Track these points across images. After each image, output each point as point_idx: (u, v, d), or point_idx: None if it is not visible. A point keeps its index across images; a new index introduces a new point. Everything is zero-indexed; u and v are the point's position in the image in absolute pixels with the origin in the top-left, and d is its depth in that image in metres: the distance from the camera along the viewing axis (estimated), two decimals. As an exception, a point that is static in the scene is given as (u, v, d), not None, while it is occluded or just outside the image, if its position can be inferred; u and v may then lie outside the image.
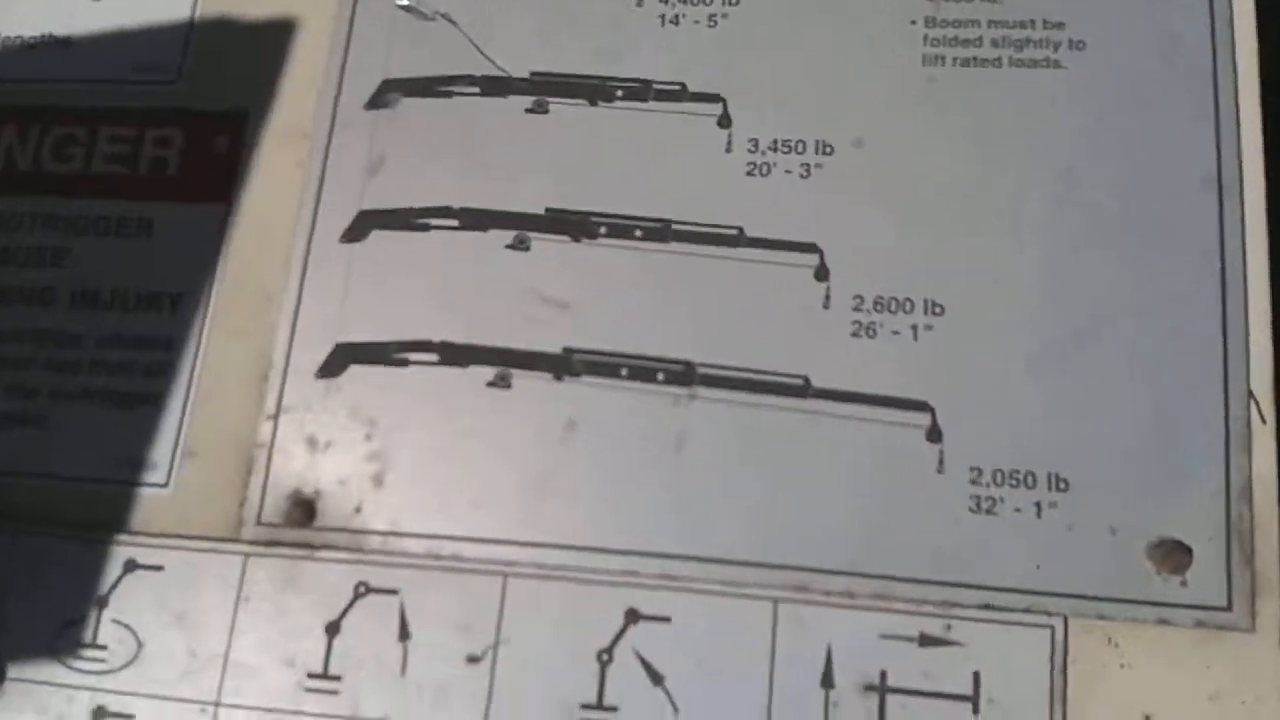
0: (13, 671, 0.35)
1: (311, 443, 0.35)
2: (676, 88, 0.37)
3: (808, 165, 0.36)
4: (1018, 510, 0.32)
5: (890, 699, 0.31)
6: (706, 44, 0.37)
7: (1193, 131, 0.34)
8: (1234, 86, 0.34)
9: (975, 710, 0.31)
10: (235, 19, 0.40)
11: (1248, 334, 0.32)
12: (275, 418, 0.36)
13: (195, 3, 0.41)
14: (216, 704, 0.33)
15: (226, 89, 0.40)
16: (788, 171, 0.36)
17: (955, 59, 0.36)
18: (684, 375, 0.34)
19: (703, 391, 0.34)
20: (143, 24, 0.41)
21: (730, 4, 0.38)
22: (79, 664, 0.34)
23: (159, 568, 0.35)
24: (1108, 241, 0.34)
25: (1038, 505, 0.32)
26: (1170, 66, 0.35)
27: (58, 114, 0.40)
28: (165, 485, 0.36)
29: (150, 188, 0.39)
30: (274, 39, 0.40)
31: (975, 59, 0.36)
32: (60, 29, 0.41)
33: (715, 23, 0.38)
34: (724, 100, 0.37)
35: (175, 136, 0.39)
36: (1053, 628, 0.31)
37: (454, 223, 0.37)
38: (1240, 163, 0.34)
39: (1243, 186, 0.34)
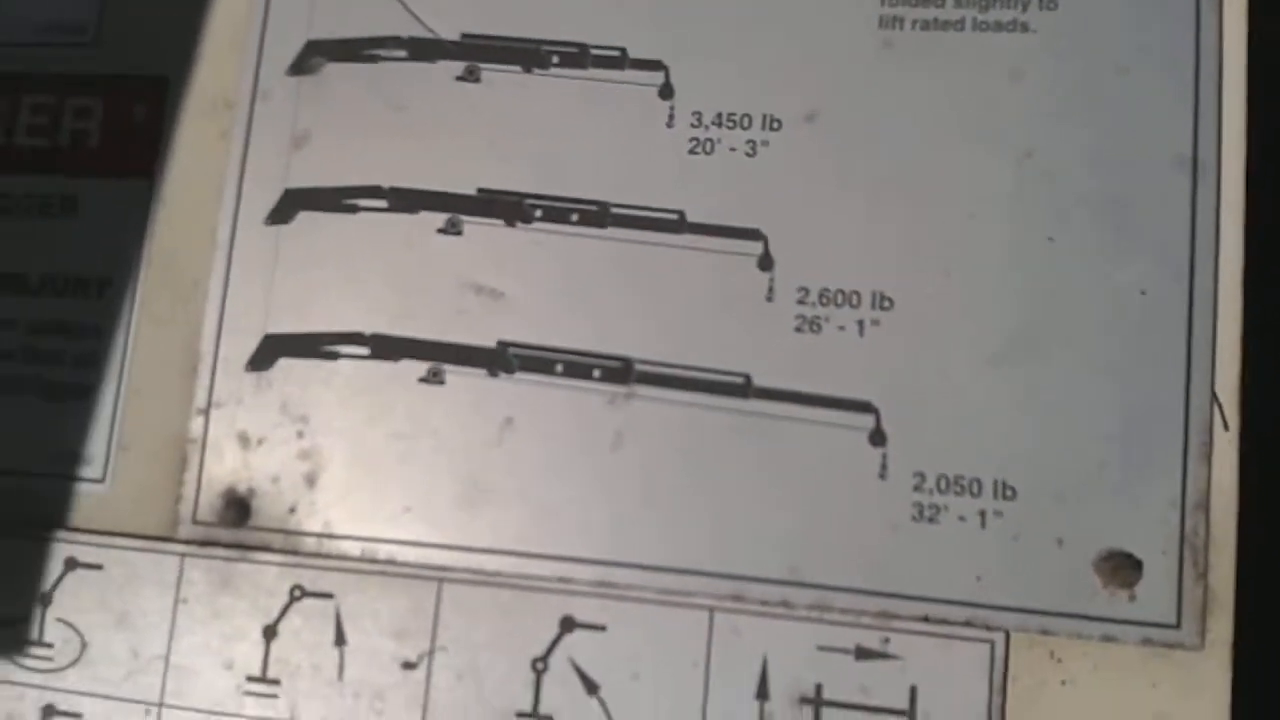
0: (-38, 668, 0.35)
1: (244, 439, 0.34)
2: (616, 54, 0.34)
3: (753, 142, 0.33)
4: (961, 519, 0.31)
5: (826, 712, 0.31)
6: (647, 3, 0.35)
7: (1169, 106, 0.31)
8: (1217, 59, 0.31)
9: (911, 724, 0.30)
10: (151, -28, 0.38)
11: (1215, 333, 0.30)
12: (206, 412, 0.35)
13: (108, -47, 0.38)
14: (160, 705, 0.34)
15: (145, 52, 0.37)
16: (732, 149, 0.33)
17: (915, 21, 0.33)
18: (621, 372, 0.33)
19: (640, 390, 0.33)
20: (55, -22, 0.38)
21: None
22: (27, 662, 0.35)
23: (99, 566, 0.35)
24: (1070, 230, 0.31)
25: (982, 514, 0.31)
26: (1148, 32, 0.32)
27: (-27, 81, 0.38)
28: (102, 481, 0.35)
29: (73, 161, 0.37)
30: (192, -5, 0.37)
31: (936, 20, 0.33)
32: (-31, -14, 0.39)
33: (659, -18, 0.35)
34: (666, 68, 0.34)
35: (95, 106, 0.37)
36: (993, 642, 0.30)
37: (383, 204, 0.35)
38: (1219, 142, 0.31)
39: (1220, 169, 0.31)
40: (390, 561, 0.33)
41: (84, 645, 0.34)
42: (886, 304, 0.32)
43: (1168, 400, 0.30)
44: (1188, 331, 0.31)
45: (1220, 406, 0.30)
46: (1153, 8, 0.32)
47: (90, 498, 0.35)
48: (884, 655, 0.31)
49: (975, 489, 0.31)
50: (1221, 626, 0.30)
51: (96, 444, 0.35)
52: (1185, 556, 0.30)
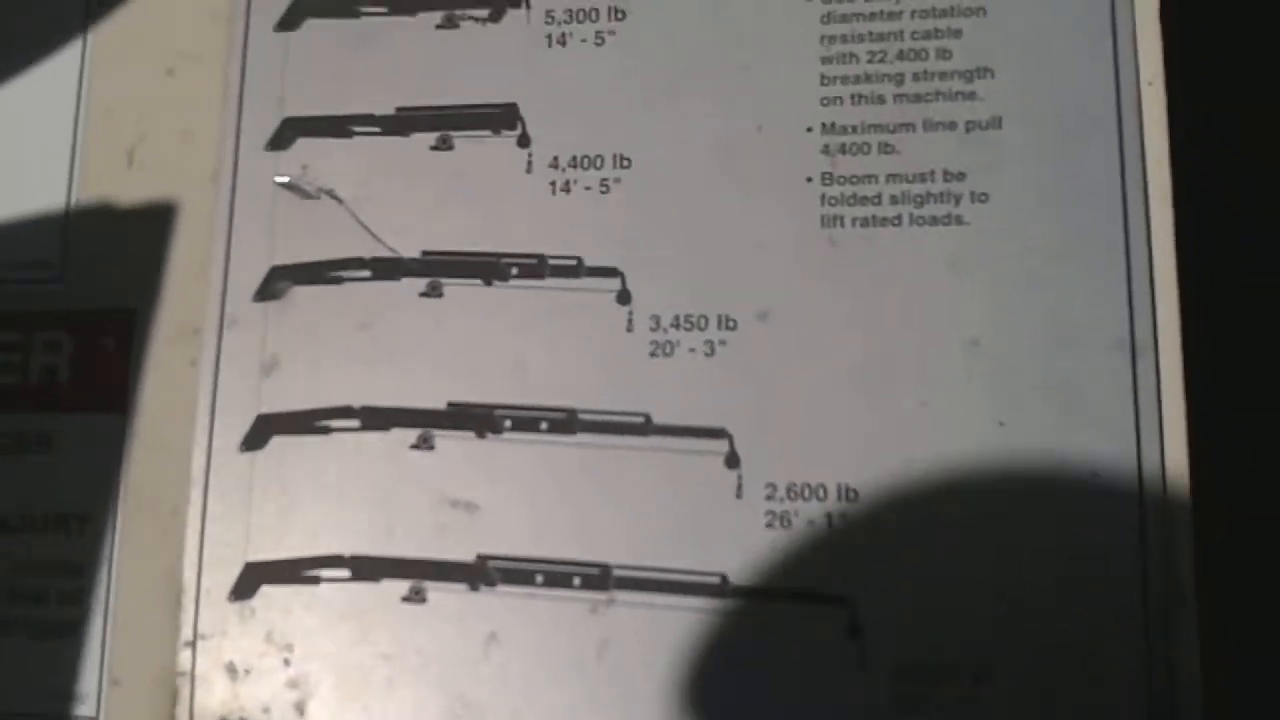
0: None
1: (231, 670, 0.35)
2: (573, 263, 0.36)
3: (711, 343, 0.35)
4: None
5: None
6: (600, 212, 0.36)
7: (1105, 290, 0.33)
8: (1147, 240, 0.33)
9: None
10: (113, 205, 0.39)
11: (1168, 511, 0.32)
12: (193, 644, 0.35)
13: (70, 190, 0.39)
14: None
15: (110, 285, 0.38)
16: (691, 350, 0.35)
17: (854, 219, 0.34)
18: (600, 579, 0.34)
19: (620, 595, 0.34)
20: (16, 216, 0.39)
21: (623, 167, 0.36)
22: None
23: (94, 808, 0.35)
24: (1020, 414, 0.33)
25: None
26: (1078, 219, 0.33)
27: (-58, 322, 0.39)
28: (96, 718, 0.36)
29: (44, 398, 0.38)
30: (155, 226, 0.38)
31: (874, 217, 0.34)
32: (-67, 229, 0.40)
33: (608, 188, 0.36)
34: (622, 275, 0.35)
35: (63, 340, 0.38)
36: None
37: (355, 423, 0.36)
38: (1154, 323, 0.32)
39: (1158, 347, 0.32)
40: (386, 784, 0.33)
41: None
42: (852, 495, 0.33)
43: (1125, 576, 0.32)
44: (1140, 511, 0.32)
45: (1178, 581, 0.31)
46: (1080, 195, 0.33)
47: (82, 735, 0.35)
48: (878, 847, 0.31)
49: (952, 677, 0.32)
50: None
51: (88, 681, 0.36)
52: (1160, 729, 0.31)
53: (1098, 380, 0.32)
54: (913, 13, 0.35)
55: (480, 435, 0.35)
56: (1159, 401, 0.32)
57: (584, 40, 0.37)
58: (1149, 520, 0.32)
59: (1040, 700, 0.31)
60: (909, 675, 0.32)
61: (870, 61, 0.35)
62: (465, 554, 0.34)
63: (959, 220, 0.34)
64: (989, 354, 0.33)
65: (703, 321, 0.35)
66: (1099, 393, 0.32)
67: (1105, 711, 0.31)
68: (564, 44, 0.37)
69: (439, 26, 0.38)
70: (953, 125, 0.34)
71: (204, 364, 0.37)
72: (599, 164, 0.36)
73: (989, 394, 0.33)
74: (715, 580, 0.33)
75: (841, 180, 0.35)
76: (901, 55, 0.35)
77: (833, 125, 0.35)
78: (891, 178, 0.34)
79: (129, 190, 0.39)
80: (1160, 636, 0.31)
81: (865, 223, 0.34)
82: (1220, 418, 0.34)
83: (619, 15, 0.37)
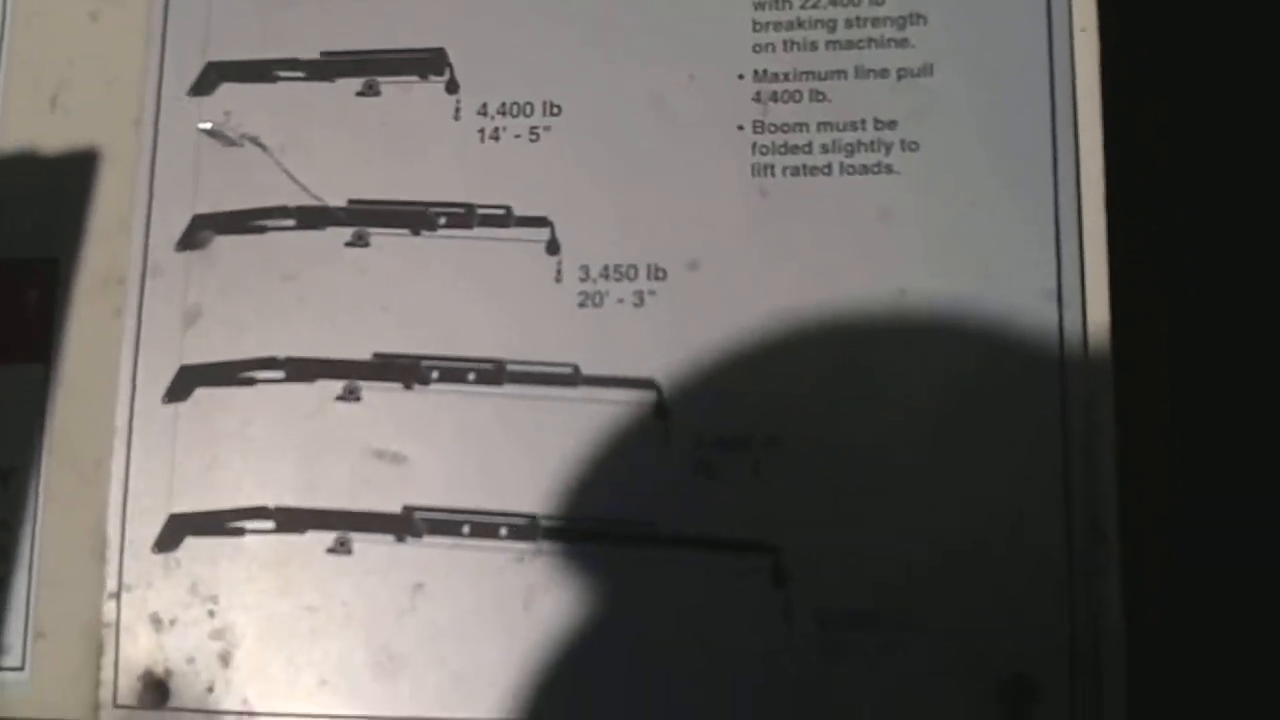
0: None
1: (156, 621, 0.34)
2: (501, 212, 0.35)
3: (641, 293, 0.34)
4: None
5: None
6: (530, 160, 0.35)
7: (1033, 243, 0.33)
8: (1076, 189, 0.33)
9: None
10: (35, 152, 0.38)
11: (1093, 461, 0.32)
12: (118, 596, 0.35)
13: (-11, 134, 0.38)
14: None
15: (32, 234, 0.37)
16: (620, 300, 0.34)
17: (785, 168, 0.34)
18: (528, 529, 0.33)
19: (547, 545, 0.33)
20: (-63, 163, 0.38)
21: (553, 114, 0.35)
22: None
23: (19, 760, 0.35)
24: (948, 362, 0.33)
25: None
26: (1008, 170, 0.33)
27: None
28: (21, 669, 0.35)
29: (-35, 348, 0.37)
30: (78, 173, 0.37)
31: (805, 166, 0.34)
32: None
33: (538, 136, 0.35)
34: (551, 224, 0.35)
35: (-16, 290, 0.37)
36: None
37: (280, 374, 0.35)
38: (1083, 274, 0.32)
39: (1085, 300, 0.32)
40: (311, 736, 0.33)
41: (9, 842, 0.34)
42: (778, 444, 0.33)
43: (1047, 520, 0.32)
44: (1064, 456, 0.32)
45: (1099, 526, 0.31)
46: (1011, 144, 0.33)
47: (11, 686, 0.35)
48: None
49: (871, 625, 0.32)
50: None
51: (13, 633, 0.35)
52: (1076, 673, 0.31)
53: (1025, 329, 0.32)
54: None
55: (407, 386, 0.35)
56: (1085, 350, 0.32)
57: (514, -16, 0.36)
58: (1073, 465, 0.32)
59: (962, 644, 0.31)
60: (834, 622, 0.32)
61: (803, 7, 0.35)
62: (392, 505, 0.34)
63: (889, 169, 0.34)
64: (917, 302, 0.33)
65: (632, 272, 0.34)
66: (1026, 342, 0.32)
67: (1027, 654, 0.31)
68: (493, -12, 0.36)
69: (366, -31, 0.37)
70: (885, 73, 0.34)
71: (127, 314, 0.36)
72: (528, 111, 0.35)
73: (916, 343, 0.33)
74: (643, 529, 0.33)
75: (772, 129, 0.34)
76: (834, 1, 0.35)
77: (764, 73, 0.35)
78: (823, 126, 0.34)
79: (51, 137, 0.38)
80: (1082, 579, 0.31)
81: (796, 172, 0.34)
82: (1147, 368, 0.34)
83: (549, -41, 0.36)
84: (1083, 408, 0.32)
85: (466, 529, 0.34)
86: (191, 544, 0.35)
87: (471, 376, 0.34)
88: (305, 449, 0.35)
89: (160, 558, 0.35)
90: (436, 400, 0.34)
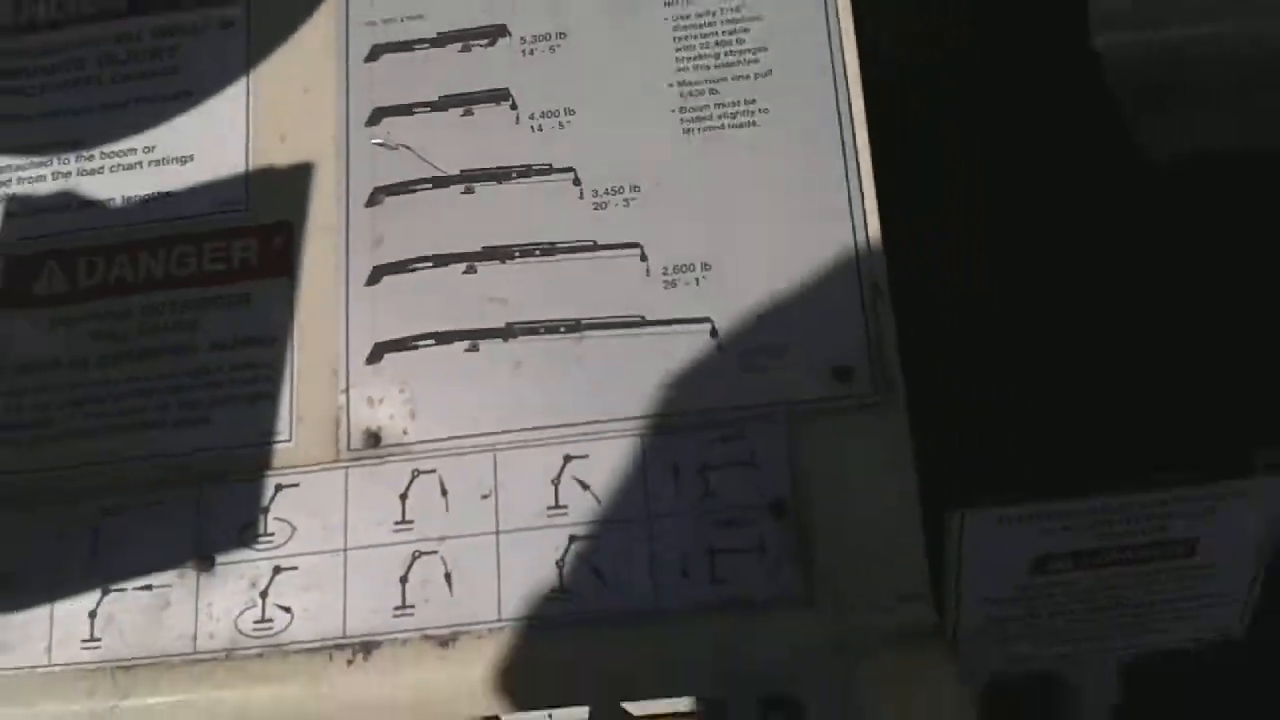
0: (219, 556, 0.60)
1: (370, 401, 0.61)
2: (546, 166, 0.64)
3: (628, 200, 0.63)
4: (764, 366, 0.59)
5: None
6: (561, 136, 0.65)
7: (828, 163, 0.62)
8: (853, 140, 0.62)
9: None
10: (275, 164, 0.67)
11: (866, 230, 0.60)
12: (346, 391, 0.62)
13: (247, 156, 0.67)
14: (344, 550, 0.59)
15: (277, 208, 0.66)
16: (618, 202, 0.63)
17: (699, 128, 0.64)
18: (574, 327, 0.61)
19: (589, 333, 0.61)
20: (217, 176, 0.67)
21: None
22: (258, 545, 0.60)
23: (296, 485, 0.61)
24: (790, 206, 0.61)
25: (774, 362, 0.59)
26: (812, 126, 0.63)
27: (176, 239, 0.66)
28: (289, 440, 0.62)
29: (242, 274, 0.65)
30: (302, 169, 0.66)
31: (709, 126, 0.64)
32: (167, 187, 0.67)
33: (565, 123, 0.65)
34: (574, 170, 0.64)
35: (251, 243, 0.65)
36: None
37: (429, 264, 0.63)
38: (860, 182, 0.62)
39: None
40: (456, 448, 0.60)
41: (293, 530, 0.60)
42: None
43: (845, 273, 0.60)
44: (856, 250, 0.60)
45: (878, 288, 0.59)
46: (818, 113, 0.63)
47: (283, 453, 0.61)
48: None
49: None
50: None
51: (283, 420, 0.62)
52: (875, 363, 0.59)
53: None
54: (722, 21, 0.65)
55: (502, 262, 0.63)
56: (861, 191, 0.61)
57: None
58: (861, 248, 0.60)
59: (808, 349, 0.59)
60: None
61: (703, 45, 0.65)
62: (499, 323, 0.62)
63: (754, 125, 0.63)
64: (771, 203, 0.62)
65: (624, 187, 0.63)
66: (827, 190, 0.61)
67: (846, 353, 0.59)
68: None
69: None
70: (747, 76, 0.64)
71: (339, 241, 0.64)
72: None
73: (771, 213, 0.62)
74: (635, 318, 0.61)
75: (690, 110, 0.64)
76: (719, 42, 0.65)
77: (684, 81, 0.64)
78: (718, 105, 0.64)
79: (282, 157, 0.67)
80: (873, 312, 0.59)
81: (705, 129, 0.63)
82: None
83: None
84: (865, 228, 0.60)
85: (542, 329, 0.61)
86: (389, 358, 0.62)
87: (537, 252, 0.63)
88: (447, 300, 0.62)
89: (370, 367, 0.62)
90: (521, 267, 0.62)
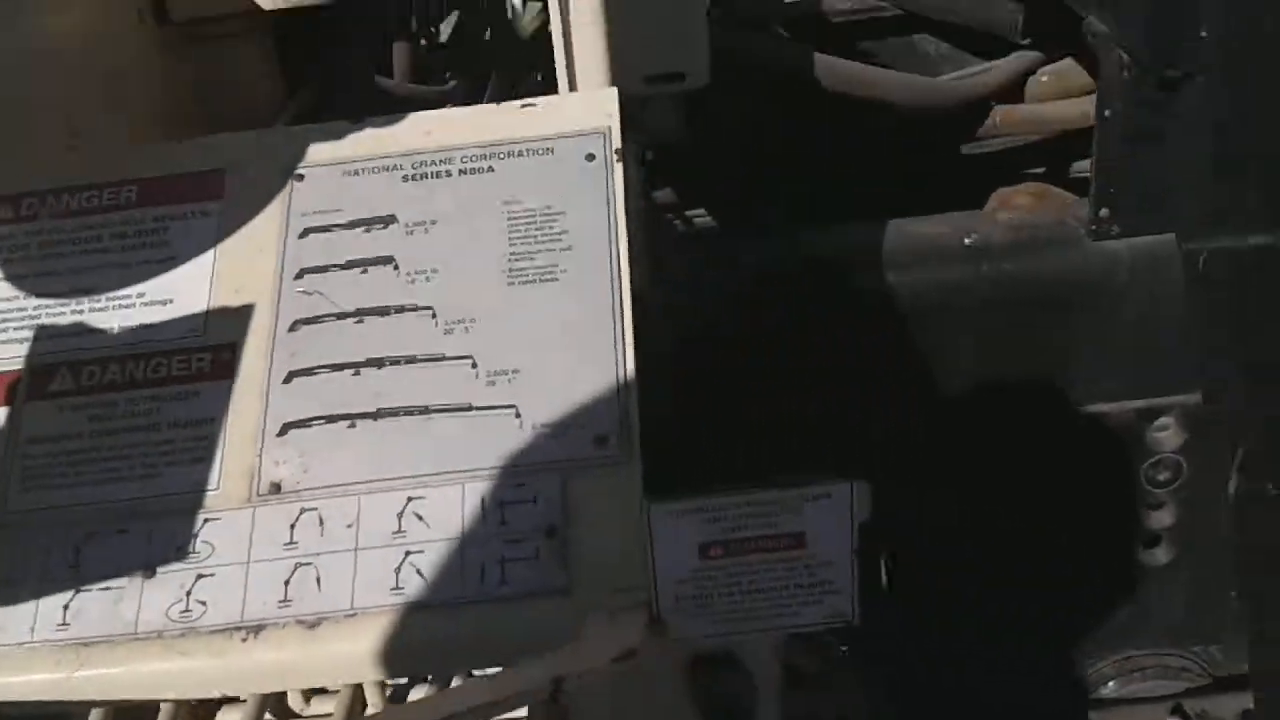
0: (160, 568, 0.84)
1: (276, 462, 0.87)
2: (414, 307, 0.92)
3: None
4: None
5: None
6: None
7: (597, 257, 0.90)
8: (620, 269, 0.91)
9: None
10: (228, 305, 0.95)
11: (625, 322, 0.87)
12: (260, 455, 0.88)
13: (209, 300, 0.95)
14: (248, 563, 0.84)
15: (227, 333, 0.94)
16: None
17: (525, 279, 0.92)
18: (423, 411, 0.88)
19: (431, 416, 0.88)
20: (187, 314, 0.95)
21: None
22: (189, 559, 0.84)
23: (219, 518, 0.86)
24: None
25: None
26: (587, 269, 0.92)
27: (153, 354, 0.93)
28: (217, 488, 0.87)
29: (198, 378, 0.92)
30: (246, 309, 0.94)
31: (530, 279, 0.92)
32: (151, 320, 0.95)
33: (427, 280, 0.94)
34: (433, 309, 0.92)
35: (206, 356, 0.93)
36: (563, 474, 0.84)
37: (327, 370, 0.90)
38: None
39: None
40: (334, 493, 0.85)
41: (213, 548, 0.85)
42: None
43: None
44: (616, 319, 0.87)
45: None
46: (589, 255, 0.92)
47: (213, 495, 0.87)
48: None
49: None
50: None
51: (215, 475, 0.88)
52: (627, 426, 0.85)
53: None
54: (540, 215, 0.95)
55: (379, 368, 0.90)
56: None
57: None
58: (620, 323, 0.87)
59: (574, 418, 0.85)
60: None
61: (526, 229, 0.94)
62: (372, 409, 0.88)
63: (555, 280, 0.92)
64: (563, 332, 0.90)
65: (463, 322, 0.91)
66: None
67: (605, 422, 0.85)
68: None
69: (363, 231, 0.96)
70: (553, 249, 0.93)
71: (266, 356, 0.92)
72: (425, 273, 0.94)
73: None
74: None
75: (515, 270, 0.92)
76: (537, 227, 0.94)
77: (514, 253, 0.93)
78: (534, 268, 0.92)
79: (234, 300, 0.95)
80: (625, 389, 0.86)
81: (524, 283, 0.92)
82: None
83: (433, 222, 0.96)
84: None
85: (401, 413, 0.88)
86: (292, 432, 0.88)
87: (403, 361, 0.90)
88: (336, 394, 0.89)
89: (279, 438, 0.88)
90: (391, 371, 0.90)
